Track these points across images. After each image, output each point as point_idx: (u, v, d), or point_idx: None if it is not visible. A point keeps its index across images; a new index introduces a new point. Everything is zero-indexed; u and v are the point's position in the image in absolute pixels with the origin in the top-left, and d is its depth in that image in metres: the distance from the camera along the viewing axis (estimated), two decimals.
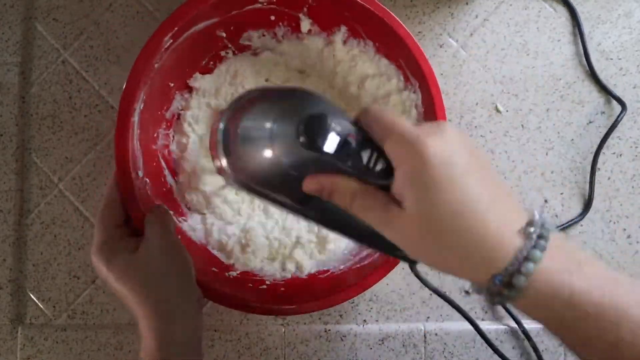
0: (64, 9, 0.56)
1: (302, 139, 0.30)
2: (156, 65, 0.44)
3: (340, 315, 0.54)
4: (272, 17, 0.50)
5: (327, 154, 0.29)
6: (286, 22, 0.50)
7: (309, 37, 0.51)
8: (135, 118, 0.43)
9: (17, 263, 0.54)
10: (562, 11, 0.57)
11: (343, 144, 0.30)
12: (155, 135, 0.49)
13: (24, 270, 0.54)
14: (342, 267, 0.49)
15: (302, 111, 0.31)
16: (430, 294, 0.54)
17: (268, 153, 0.31)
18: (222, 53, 0.52)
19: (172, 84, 0.49)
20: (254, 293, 0.46)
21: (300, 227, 0.52)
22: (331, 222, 0.34)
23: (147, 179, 0.45)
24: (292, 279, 0.48)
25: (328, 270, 0.49)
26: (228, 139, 0.33)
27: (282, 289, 0.47)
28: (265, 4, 0.47)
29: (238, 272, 0.48)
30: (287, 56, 0.53)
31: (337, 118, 0.30)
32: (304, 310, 0.44)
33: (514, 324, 0.54)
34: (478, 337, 0.53)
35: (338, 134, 0.30)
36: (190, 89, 0.52)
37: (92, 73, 0.56)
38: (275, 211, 0.52)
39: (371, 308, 0.54)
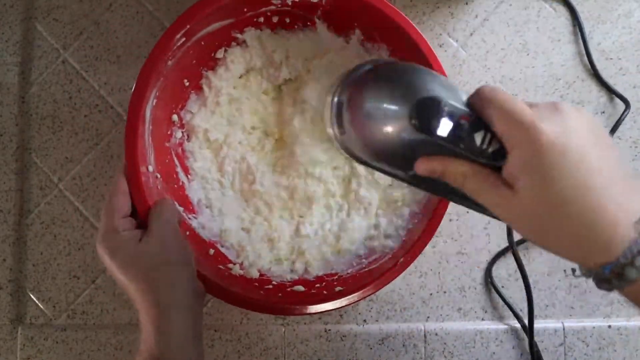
0: (64, 9, 0.56)
1: (414, 122, 0.30)
2: (170, 63, 0.44)
3: (341, 315, 0.54)
4: (287, 20, 0.50)
5: (440, 137, 0.29)
6: (301, 24, 0.50)
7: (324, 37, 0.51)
8: (147, 114, 0.43)
9: (17, 263, 0.54)
10: (562, 11, 0.57)
11: (456, 127, 0.29)
12: (169, 132, 0.49)
13: (24, 270, 0.54)
14: (349, 270, 0.49)
15: (415, 92, 0.31)
16: (431, 294, 0.54)
17: (380, 130, 0.32)
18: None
19: (187, 83, 0.49)
20: (259, 292, 0.46)
21: (312, 228, 0.52)
22: (442, 191, 0.35)
23: (158, 174, 0.45)
24: (299, 280, 0.48)
25: (336, 274, 0.49)
26: (340, 111, 0.35)
27: (288, 289, 0.47)
28: (279, 5, 0.47)
29: (245, 270, 0.48)
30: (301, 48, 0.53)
31: (450, 99, 0.30)
32: (310, 312, 0.44)
33: (514, 324, 0.54)
34: (478, 337, 0.53)
35: (451, 117, 0.29)
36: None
37: (92, 73, 0.56)
38: (288, 213, 0.52)
39: (371, 308, 0.54)
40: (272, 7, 0.47)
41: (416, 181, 0.35)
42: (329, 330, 0.53)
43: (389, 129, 0.32)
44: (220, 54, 0.50)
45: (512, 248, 0.51)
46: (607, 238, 0.27)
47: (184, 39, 0.44)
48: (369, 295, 0.44)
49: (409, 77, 0.32)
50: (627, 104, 0.55)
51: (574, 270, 0.52)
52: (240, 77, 0.52)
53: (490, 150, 0.30)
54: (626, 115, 0.55)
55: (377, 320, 0.54)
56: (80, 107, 0.55)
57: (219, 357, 0.53)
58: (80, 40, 0.56)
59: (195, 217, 0.49)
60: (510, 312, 0.54)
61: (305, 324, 0.54)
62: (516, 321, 0.54)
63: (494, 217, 0.35)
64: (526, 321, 0.53)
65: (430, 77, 0.32)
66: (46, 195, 0.55)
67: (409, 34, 0.44)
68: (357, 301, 0.44)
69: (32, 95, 0.56)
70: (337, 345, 0.53)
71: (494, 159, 0.30)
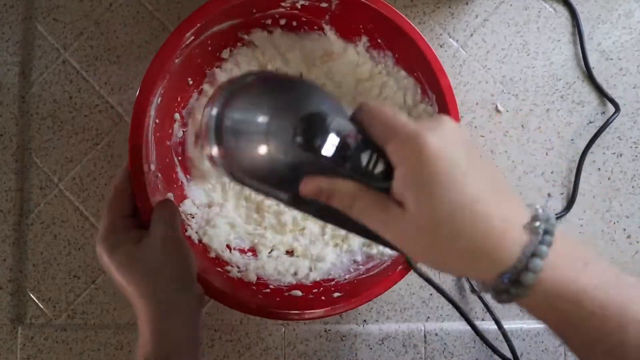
0: (64, 9, 0.56)
1: (299, 139, 0.28)
2: (177, 61, 0.44)
3: (340, 316, 0.54)
4: (295, 23, 0.50)
5: (325, 157, 0.28)
6: (308, 29, 0.51)
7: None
8: (152, 112, 0.43)
9: (17, 263, 0.54)
10: (562, 11, 0.57)
11: (342, 146, 0.28)
12: (170, 131, 0.49)
13: (24, 270, 0.54)
14: (347, 276, 0.49)
15: (301, 107, 0.29)
16: (431, 294, 0.54)
17: (263, 148, 0.30)
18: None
19: (190, 82, 0.49)
20: (256, 295, 0.46)
21: (312, 233, 0.52)
22: (331, 218, 0.32)
23: (159, 174, 0.45)
24: (296, 285, 0.48)
25: (333, 279, 0.49)
26: (220, 126, 0.31)
27: (286, 294, 0.47)
28: (288, 9, 0.47)
29: (243, 274, 0.48)
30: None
31: (336, 116, 0.29)
32: (307, 317, 0.44)
33: (513, 324, 0.54)
34: (478, 337, 0.53)
35: (337, 134, 0.28)
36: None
37: (92, 73, 0.56)
38: (287, 218, 0.52)
39: (371, 308, 0.54)
40: (281, 10, 0.47)
41: (301, 205, 0.31)
42: (329, 330, 0.53)
43: (271, 145, 0.29)
44: (225, 54, 0.50)
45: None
46: (499, 247, 0.26)
47: (193, 37, 0.44)
48: (367, 301, 0.44)
49: (296, 92, 0.31)
50: (617, 107, 0.56)
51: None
52: None
53: (377, 170, 0.28)
54: (614, 119, 0.55)
55: (377, 321, 0.54)
56: (80, 107, 0.55)
57: (219, 357, 0.53)
58: (81, 40, 0.56)
59: (194, 218, 0.49)
60: (511, 312, 0.54)
61: (305, 324, 0.54)
62: (516, 321, 0.54)
63: (393, 247, 0.32)
64: (525, 322, 0.52)
65: (318, 94, 0.31)
66: (46, 195, 0.55)
67: (416, 43, 0.44)
68: (356, 307, 0.44)
69: (32, 95, 0.56)
70: (337, 345, 0.53)
71: (383, 180, 0.28)
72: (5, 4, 0.56)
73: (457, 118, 0.44)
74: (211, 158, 0.32)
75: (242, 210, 0.52)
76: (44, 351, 0.53)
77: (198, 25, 0.43)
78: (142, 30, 0.56)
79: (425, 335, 0.54)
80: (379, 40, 0.49)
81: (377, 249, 0.50)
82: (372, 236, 0.32)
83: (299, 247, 0.51)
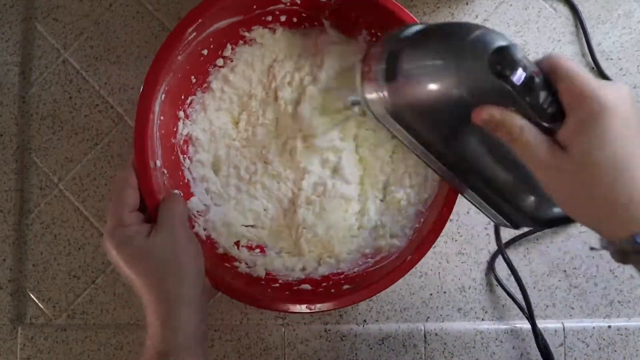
0: (64, 9, 0.56)
1: (497, 66, 0.30)
2: (179, 58, 0.44)
3: (340, 315, 0.54)
4: (295, 19, 0.50)
5: (514, 84, 0.30)
6: (308, 24, 0.51)
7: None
8: (156, 108, 0.43)
9: (17, 263, 0.54)
10: (563, 11, 0.57)
11: (528, 79, 0.30)
12: (174, 129, 0.49)
13: (24, 270, 0.54)
14: (355, 269, 0.49)
15: (491, 41, 0.31)
16: (431, 294, 0.54)
17: (441, 81, 0.32)
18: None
19: (194, 80, 0.49)
20: (265, 290, 0.46)
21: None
22: (466, 169, 0.36)
23: (164, 170, 0.45)
24: (306, 280, 0.48)
25: (342, 272, 0.49)
26: (394, 65, 0.34)
27: (295, 288, 0.47)
28: (288, 4, 0.47)
29: (251, 269, 0.48)
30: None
31: (520, 52, 0.31)
32: (318, 311, 0.44)
33: (514, 324, 0.54)
34: (478, 337, 0.53)
35: (525, 68, 0.30)
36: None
37: (92, 73, 0.56)
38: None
39: (371, 308, 0.54)
40: (281, 6, 0.47)
41: (449, 150, 0.35)
42: (329, 330, 0.53)
43: (457, 77, 0.31)
44: (227, 51, 0.50)
45: (501, 251, 0.51)
46: None
47: (194, 34, 0.44)
48: (377, 293, 0.44)
49: (479, 30, 0.32)
50: None
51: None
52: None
53: (549, 110, 0.31)
54: None
55: (377, 320, 0.54)
56: (80, 107, 0.55)
57: (219, 357, 0.53)
58: (81, 40, 0.56)
59: (201, 216, 0.49)
60: (511, 312, 0.54)
61: (305, 324, 0.54)
62: (516, 321, 0.54)
63: (493, 219, 0.35)
64: (524, 321, 0.53)
65: (498, 35, 0.32)
66: (46, 195, 0.55)
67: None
68: (365, 299, 0.44)
69: (32, 95, 0.56)
70: (337, 345, 0.53)
71: (551, 121, 0.31)
72: (5, 4, 0.56)
73: None
74: (377, 97, 0.35)
75: (249, 213, 0.52)
76: (44, 351, 0.53)
77: (199, 20, 0.43)
78: (142, 30, 0.56)
79: (425, 335, 0.54)
80: (378, 34, 0.49)
81: (384, 241, 0.50)
82: (496, 203, 0.36)
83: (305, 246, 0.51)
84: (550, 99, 0.31)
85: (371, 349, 0.53)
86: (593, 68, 0.57)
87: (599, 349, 0.54)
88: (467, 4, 0.57)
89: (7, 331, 0.53)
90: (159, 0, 0.56)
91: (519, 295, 0.53)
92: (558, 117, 0.30)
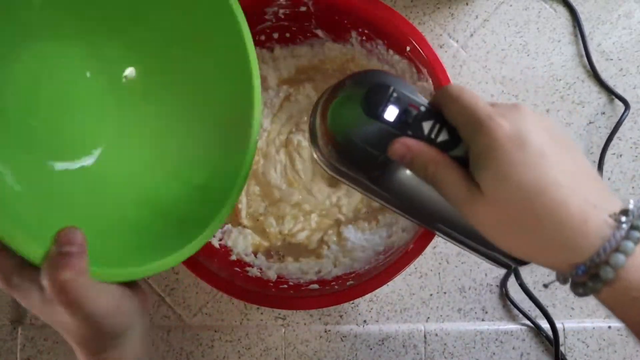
0: None
1: (364, 105, 0.31)
2: None
3: (340, 316, 0.54)
4: (287, 35, 0.50)
5: (387, 121, 0.30)
6: (302, 38, 0.51)
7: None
8: None
9: None
10: (562, 12, 0.57)
11: (402, 113, 0.30)
12: None
13: None
14: (367, 267, 0.49)
15: (369, 82, 0.32)
16: (431, 295, 0.54)
17: (347, 125, 0.32)
18: None
19: None
20: (272, 290, 0.46)
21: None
22: (403, 202, 0.35)
23: None
24: (316, 281, 0.48)
25: (354, 271, 0.49)
26: (312, 126, 0.36)
27: (303, 288, 0.47)
28: (274, 21, 0.47)
29: (262, 273, 0.49)
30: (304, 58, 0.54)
31: (402, 89, 0.31)
32: (316, 306, 0.45)
33: (513, 325, 0.54)
34: (478, 337, 0.53)
35: (398, 103, 0.30)
36: None
37: None
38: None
39: (371, 308, 0.54)
40: (268, 24, 0.48)
41: (380, 187, 0.35)
42: (329, 330, 0.53)
43: (352, 121, 0.32)
44: None
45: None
46: (578, 236, 0.25)
47: None
48: (380, 286, 0.44)
49: (367, 74, 0.33)
50: (626, 105, 0.55)
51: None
52: None
53: (438, 140, 0.30)
54: (626, 116, 0.55)
55: (377, 321, 0.54)
56: None
57: (219, 357, 0.53)
58: None
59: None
60: (513, 314, 0.54)
61: (305, 324, 0.54)
62: (516, 322, 0.54)
63: (481, 253, 0.35)
64: (525, 322, 0.53)
65: (389, 76, 0.33)
66: None
67: (391, 20, 0.45)
68: (369, 292, 0.44)
69: None
70: (337, 345, 0.53)
71: (445, 149, 0.30)
72: None
73: (447, 82, 0.45)
74: (318, 157, 0.37)
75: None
76: (44, 351, 0.53)
77: None
78: None
79: (425, 335, 0.54)
80: (366, 31, 0.49)
81: (396, 236, 0.50)
82: (447, 230, 0.35)
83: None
84: (438, 128, 0.30)
85: (371, 349, 0.53)
86: (589, 70, 0.57)
87: (599, 349, 0.54)
88: (467, 4, 0.57)
89: (7, 331, 0.53)
90: None
91: (519, 296, 0.53)
92: (451, 143, 0.29)
